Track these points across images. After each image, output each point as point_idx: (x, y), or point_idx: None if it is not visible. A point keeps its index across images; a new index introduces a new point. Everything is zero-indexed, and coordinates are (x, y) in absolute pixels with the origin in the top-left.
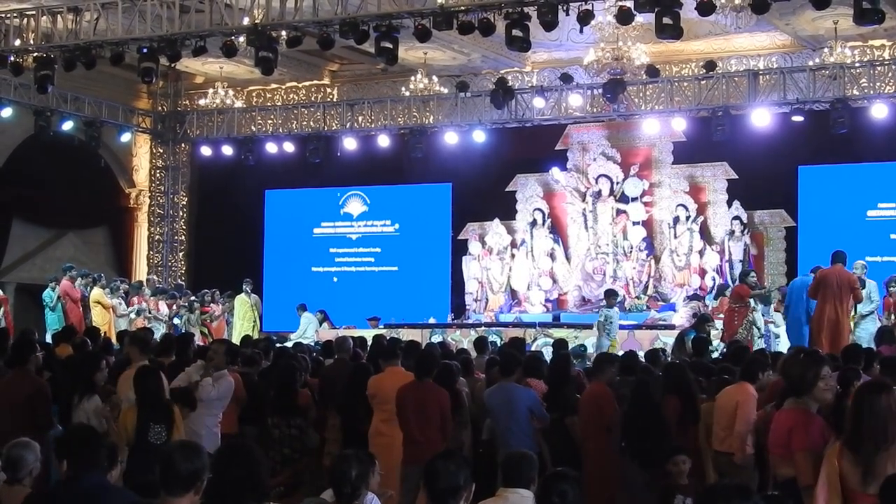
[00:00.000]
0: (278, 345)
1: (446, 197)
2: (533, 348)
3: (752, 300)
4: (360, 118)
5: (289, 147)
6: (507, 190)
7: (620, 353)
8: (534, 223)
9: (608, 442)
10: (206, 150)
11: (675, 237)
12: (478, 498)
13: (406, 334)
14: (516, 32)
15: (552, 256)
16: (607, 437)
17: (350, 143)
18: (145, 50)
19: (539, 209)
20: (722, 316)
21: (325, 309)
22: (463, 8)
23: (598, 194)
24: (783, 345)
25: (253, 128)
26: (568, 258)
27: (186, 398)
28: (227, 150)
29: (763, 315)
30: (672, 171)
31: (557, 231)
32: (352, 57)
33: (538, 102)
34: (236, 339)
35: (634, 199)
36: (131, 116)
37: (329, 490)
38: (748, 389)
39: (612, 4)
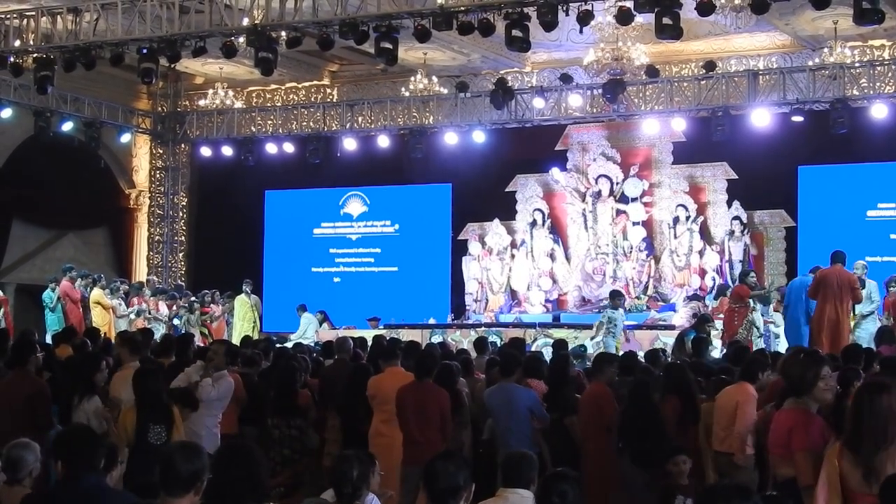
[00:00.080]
0: (278, 345)
1: (446, 197)
2: (533, 349)
3: (751, 300)
4: (360, 118)
5: (289, 147)
6: (506, 190)
7: (620, 353)
8: (534, 223)
9: (608, 442)
10: (205, 151)
11: (675, 237)
12: (478, 498)
13: (406, 335)
14: (516, 33)
15: (552, 257)
16: (607, 438)
17: (350, 144)
18: (145, 50)
19: (539, 209)
20: (722, 316)
21: (325, 309)
22: (463, 8)
23: (598, 194)
24: (783, 345)
25: (253, 128)
26: (568, 258)
27: (188, 399)
28: (227, 151)
29: (762, 315)
30: (672, 172)
31: (557, 231)
32: (351, 57)
33: (538, 103)
34: (236, 340)
35: (634, 200)
36: (131, 117)
37: (330, 490)
38: (748, 389)
39: (611, 5)
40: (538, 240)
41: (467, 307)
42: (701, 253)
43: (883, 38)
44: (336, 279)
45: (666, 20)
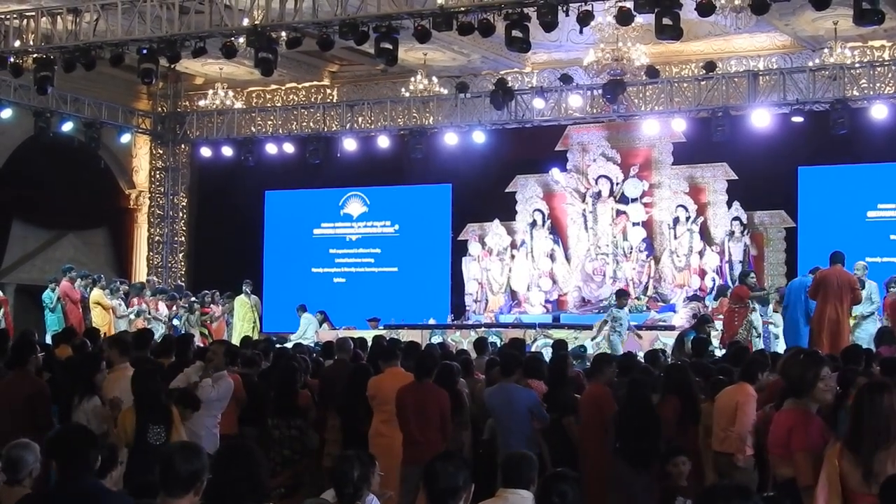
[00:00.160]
0: (278, 346)
1: (446, 198)
2: (533, 349)
3: (750, 301)
4: (360, 119)
5: (289, 148)
6: (506, 191)
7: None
8: (534, 224)
9: (607, 442)
10: (205, 151)
11: (675, 238)
12: (477, 498)
13: (406, 335)
14: (516, 33)
15: (552, 257)
16: (606, 438)
17: (350, 144)
18: (145, 51)
19: (539, 210)
20: (722, 317)
21: (325, 310)
22: (463, 9)
23: (598, 195)
24: (782, 345)
25: (253, 129)
26: (568, 259)
27: (189, 399)
28: (227, 151)
29: (761, 315)
30: (672, 172)
31: (557, 232)
32: (351, 58)
33: (538, 103)
34: (236, 340)
35: (634, 200)
36: (131, 117)
37: (330, 490)
38: (748, 390)
39: (611, 5)
40: (538, 240)
41: (467, 308)
42: (701, 253)
43: (883, 39)
44: (341, 280)
45: (666, 21)
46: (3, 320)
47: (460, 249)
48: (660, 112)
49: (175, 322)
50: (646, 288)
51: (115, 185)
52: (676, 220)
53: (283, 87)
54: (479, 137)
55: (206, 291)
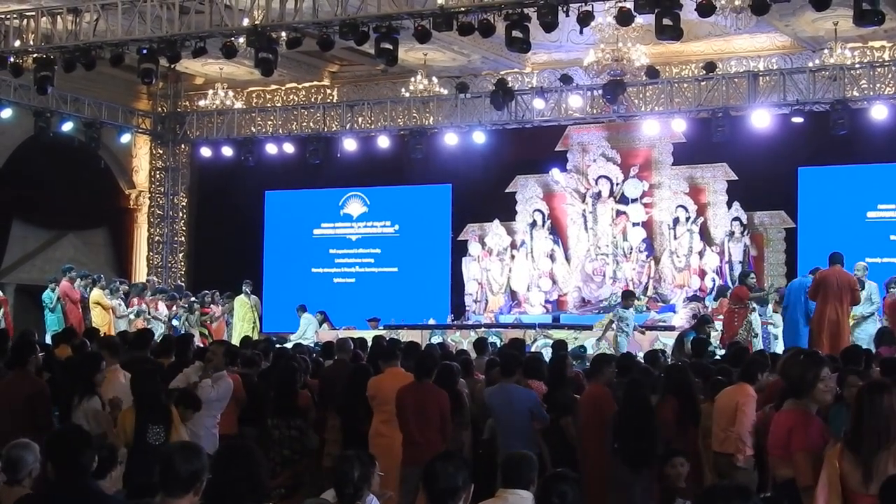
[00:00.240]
0: (278, 346)
1: (446, 198)
2: (532, 349)
3: (750, 301)
4: (360, 119)
5: (289, 148)
6: (506, 191)
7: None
8: (533, 224)
9: (607, 443)
10: (205, 151)
11: (675, 238)
12: (477, 499)
13: (406, 335)
14: (516, 33)
15: (552, 257)
16: (606, 438)
17: (350, 144)
18: (145, 51)
19: (539, 210)
20: (722, 317)
21: (325, 310)
22: (463, 9)
23: (598, 195)
24: (781, 346)
25: (253, 129)
26: (568, 259)
27: (190, 400)
28: (227, 151)
29: (761, 316)
30: (672, 173)
31: (557, 232)
32: (352, 58)
33: (538, 103)
34: (236, 340)
35: (634, 201)
36: (131, 117)
37: (330, 490)
38: (748, 390)
39: (612, 6)
40: (538, 240)
41: (467, 308)
42: (701, 254)
43: (883, 40)
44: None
45: (666, 21)
46: (3, 320)
47: (460, 249)
48: (660, 112)
49: (175, 322)
50: (646, 288)
51: (115, 185)
52: (676, 221)
53: (283, 87)
54: (479, 138)
55: (206, 291)
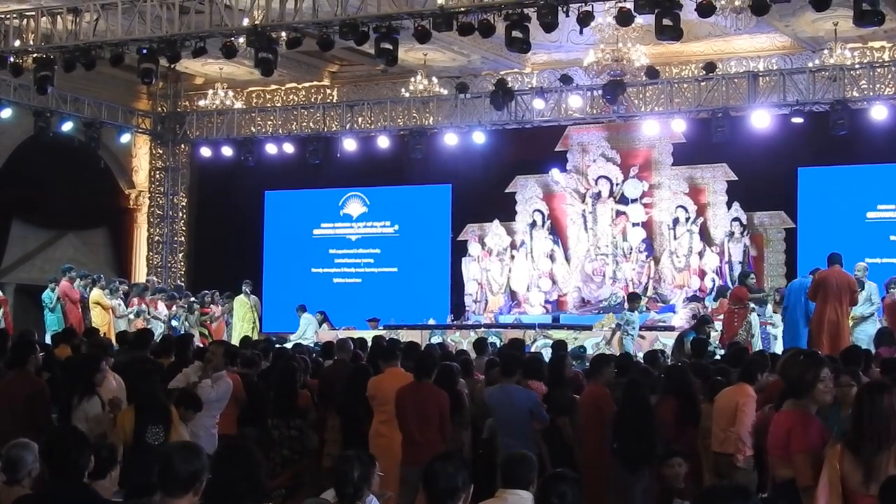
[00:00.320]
0: (278, 346)
1: (446, 198)
2: (532, 350)
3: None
4: (360, 119)
5: (288, 148)
6: (506, 191)
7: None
8: (533, 224)
9: (607, 443)
10: (205, 151)
11: (675, 238)
12: (477, 499)
13: (405, 335)
14: (516, 34)
15: (552, 258)
16: (605, 439)
17: (350, 144)
18: (145, 51)
19: (539, 210)
20: (721, 318)
21: (325, 310)
22: (463, 9)
23: (598, 195)
24: (780, 346)
25: (253, 129)
26: (567, 259)
27: (191, 400)
28: (227, 151)
29: (760, 316)
30: (672, 173)
31: (557, 232)
32: (351, 58)
33: (538, 104)
34: (236, 340)
35: (634, 201)
36: (131, 117)
37: (330, 490)
38: (747, 391)
39: (611, 6)
40: (538, 241)
41: (467, 308)
42: (700, 254)
43: (883, 40)
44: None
45: (666, 21)
46: (3, 320)
47: (460, 250)
48: (660, 113)
49: (174, 322)
50: (645, 288)
51: (114, 184)
52: (676, 221)
53: (283, 87)
54: (479, 138)
55: (206, 291)
